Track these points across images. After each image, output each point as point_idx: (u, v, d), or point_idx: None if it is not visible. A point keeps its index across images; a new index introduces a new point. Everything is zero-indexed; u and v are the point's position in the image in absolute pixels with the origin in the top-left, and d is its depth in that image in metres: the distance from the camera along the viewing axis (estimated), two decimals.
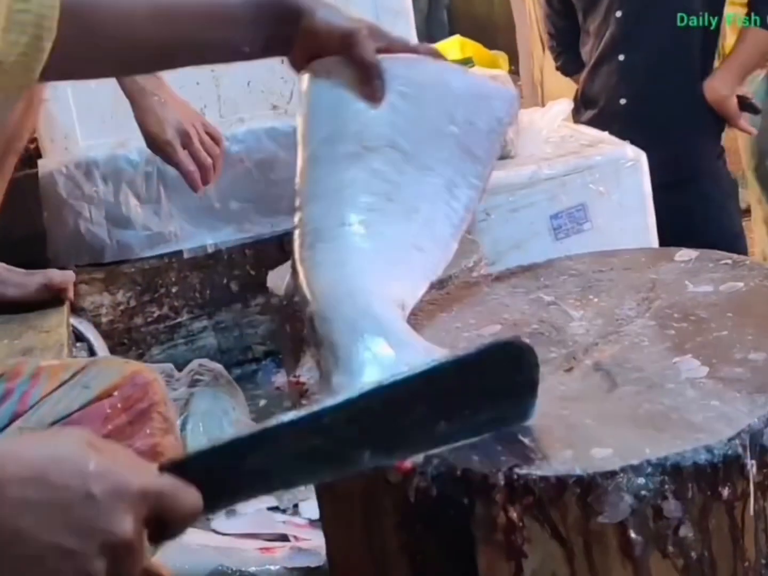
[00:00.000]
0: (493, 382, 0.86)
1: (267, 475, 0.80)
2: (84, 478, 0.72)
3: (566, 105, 2.78)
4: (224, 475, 0.79)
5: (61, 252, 2.34)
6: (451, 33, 4.79)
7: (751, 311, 1.04)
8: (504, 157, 2.64)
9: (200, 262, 2.46)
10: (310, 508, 1.98)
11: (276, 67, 2.46)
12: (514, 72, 4.19)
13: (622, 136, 2.64)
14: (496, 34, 5.42)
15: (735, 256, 1.17)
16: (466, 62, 3.21)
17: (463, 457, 0.86)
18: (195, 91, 2.39)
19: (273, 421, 0.80)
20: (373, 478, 0.91)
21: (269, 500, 2.02)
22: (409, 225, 1.08)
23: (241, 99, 2.43)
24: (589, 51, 2.86)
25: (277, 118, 2.45)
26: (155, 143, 1.89)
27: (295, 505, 2.00)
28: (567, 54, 3.02)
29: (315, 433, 0.80)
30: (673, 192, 2.68)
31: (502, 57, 3.68)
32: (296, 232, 1.05)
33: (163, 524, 0.75)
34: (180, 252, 2.42)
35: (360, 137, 1.08)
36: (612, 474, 0.82)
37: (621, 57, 2.76)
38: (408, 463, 0.88)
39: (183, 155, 1.89)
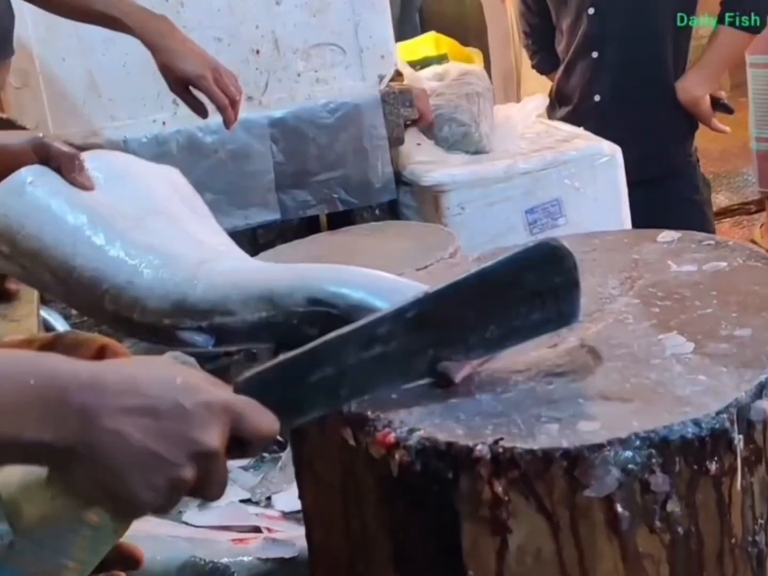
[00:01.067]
0: (534, 283, 0.89)
1: (333, 386, 0.86)
2: (173, 391, 0.77)
3: (541, 101, 2.78)
4: (294, 391, 0.84)
5: None
6: (423, 32, 4.78)
7: (735, 290, 1.03)
8: (479, 152, 2.64)
9: None
10: (284, 500, 1.95)
11: (250, 57, 2.47)
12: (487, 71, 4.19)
13: (597, 132, 2.64)
14: (467, 34, 5.42)
15: (717, 237, 1.17)
16: (441, 58, 3.19)
17: (447, 431, 0.85)
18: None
19: (332, 334, 0.86)
20: (354, 453, 0.90)
21: (242, 493, 2.00)
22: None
23: None
24: (563, 49, 2.87)
25: (252, 110, 2.43)
26: (188, 79, 1.83)
27: (268, 498, 1.98)
28: (542, 52, 3.02)
29: (373, 342, 0.86)
30: (645, 189, 2.69)
31: (476, 53, 3.66)
32: (153, 302, 1.00)
33: (240, 443, 0.80)
34: None
35: (117, 214, 1.05)
36: (599, 447, 0.81)
37: (594, 54, 2.76)
38: (391, 437, 0.86)
39: (216, 89, 1.83)
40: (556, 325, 0.92)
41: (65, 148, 1.05)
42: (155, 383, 0.78)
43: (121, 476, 0.76)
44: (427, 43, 3.37)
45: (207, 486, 0.79)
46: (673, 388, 0.87)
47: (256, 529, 1.87)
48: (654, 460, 0.82)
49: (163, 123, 2.37)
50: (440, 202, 2.46)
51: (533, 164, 2.50)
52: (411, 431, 0.86)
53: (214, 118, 2.40)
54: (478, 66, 3.28)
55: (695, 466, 0.83)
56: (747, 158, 4.62)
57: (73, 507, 0.79)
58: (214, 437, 0.77)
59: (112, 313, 1.00)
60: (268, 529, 1.86)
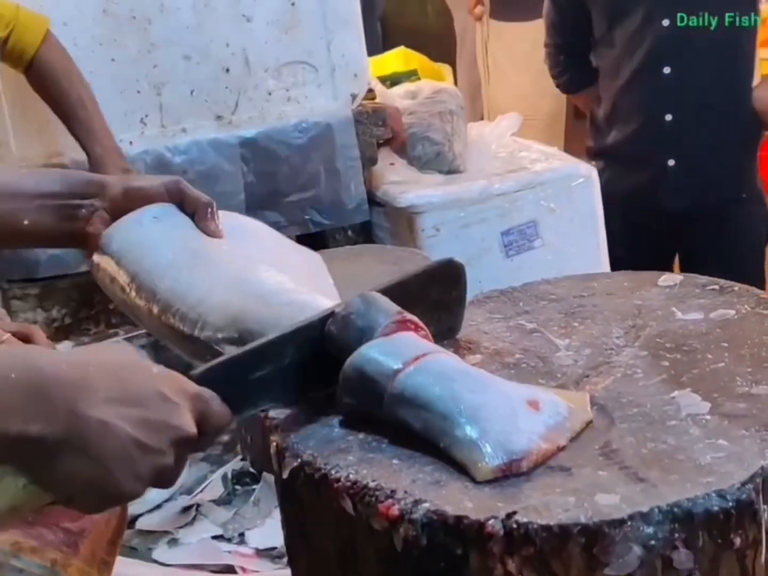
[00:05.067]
0: (438, 295, 0.99)
1: (273, 383, 0.91)
2: (153, 380, 0.81)
3: (516, 119, 2.74)
4: (239, 386, 0.89)
5: None
6: (385, 44, 4.74)
7: (746, 341, 0.99)
8: (453, 171, 2.59)
9: None
10: (258, 536, 1.89)
11: (220, 75, 2.40)
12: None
13: (664, 154, 2.49)
14: (429, 46, 5.39)
15: (722, 281, 1.12)
16: (411, 74, 3.15)
17: (454, 503, 0.79)
18: (136, 100, 2.31)
19: (274, 335, 0.91)
20: (353, 524, 0.84)
21: (213, 528, 1.94)
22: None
23: (184, 108, 2.35)
24: (614, 64, 2.58)
25: (222, 129, 2.37)
26: None
27: (241, 534, 1.92)
28: (574, 70, 2.75)
29: (309, 344, 0.92)
30: (713, 214, 2.52)
31: (446, 69, 3.63)
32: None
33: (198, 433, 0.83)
34: None
35: (221, 253, 1.07)
36: (619, 522, 0.76)
37: (666, 70, 2.49)
38: (394, 509, 0.80)
39: None
40: (441, 338, 1.00)
41: (200, 196, 1.09)
42: (135, 374, 0.81)
43: (107, 468, 0.78)
44: (397, 58, 3.33)
45: (173, 473, 0.82)
46: (693, 454, 0.82)
47: (230, 569, 1.81)
48: (677, 535, 0.77)
49: (130, 143, 2.30)
50: (415, 223, 2.41)
51: (509, 185, 2.46)
52: (416, 503, 0.80)
53: (183, 138, 2.36)
54: (447, 82, 3.24)
55: (719, 540, 0.78)
56: None
57: (42, 495, 0.80)
58: (191, 423, 0.82)
59: (179, 332, 1.01)
60: (243, 569, 1.80)
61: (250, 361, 0.90)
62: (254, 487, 2.03)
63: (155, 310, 1.02)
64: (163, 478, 0.81)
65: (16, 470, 0.78)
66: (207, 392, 0.85)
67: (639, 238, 2.62)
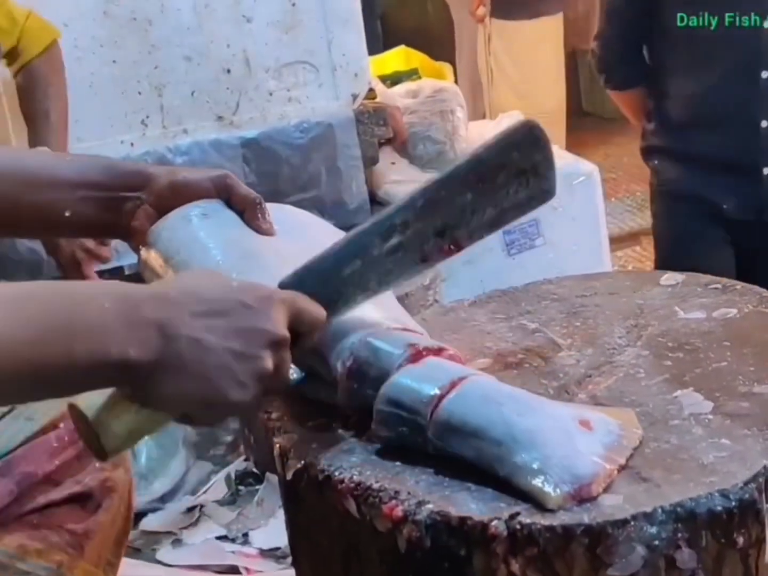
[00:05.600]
0: (519, 162, 0.95)
1: (363, 278, 0.93)
2: (233, 292, 0.84)
3: (517, 118, 2.74)
4: (330, 285, 0.92)
5: None
6: (385, 44, 4.73)
7: (749, 340, 0.99)
8: None
9: (141, 279, 2.36)
10: (261, 537, 1.90)
11: (221, 76, 2.41)
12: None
13: (763, 163, 2.29)
14: (430, 45, 5.39)
15: (724, 279, 1.12)
16: (412, 73, 3.15)
17: (458, 504, 0.80)
18: (137, 101, 2.31)
19: (358, 228, 0.94)
20: (357, 525, 0.84)
21: (218, 529, 1.94)
22: None
23: (185, 109, 2.35)
24: (692, 63, 2.34)
25: (223, 130, 2.37)
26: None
27: (245, 534, 1.92)
28: (629, 64, 2.47)
29: (392, 232, 0.93)
30: None
31: (447, 68, 3.62)
32: None
33: (295, 334, 0.86)
34: (120, 268, 2.32)
35: (271, 251, 1.03)
36: (623, 523, 0.76)
37: (765, 74, 2.27)
38: (398, 510, 0.81)
39: None
40: (539, 202, 0.97)
41: (249, 192, 1.06)
42: (215, 289, 0.83)
43: (209, 379, 0.80)
44: (398, 57, 3.32)
45: (277, 376, 0.84)
46: (696, 453, 0.82)
47: (234, 569, 1.82)
48: (680, 535, 0.77)
49: (131, 144, 2.31)
50: None
51: None
52: (420, 504, 0.80)
53: (184, 139, 2.37)
54: (449, 81, 3.24)
55: (722, 540, 0.78)
56: None
57: (157, 416, 0.83)
58: (280, 325, 0.84)
59: None
60: (246, 569, 1.80)
61: (336, 259, 0.92)
62: (258, 487, 2.03)
63: None
64: (271, 383, 0.83)
65: (128, 395, 0.81)
66: (294, 295, 0.88)
67: (706, 241, 2.39)
